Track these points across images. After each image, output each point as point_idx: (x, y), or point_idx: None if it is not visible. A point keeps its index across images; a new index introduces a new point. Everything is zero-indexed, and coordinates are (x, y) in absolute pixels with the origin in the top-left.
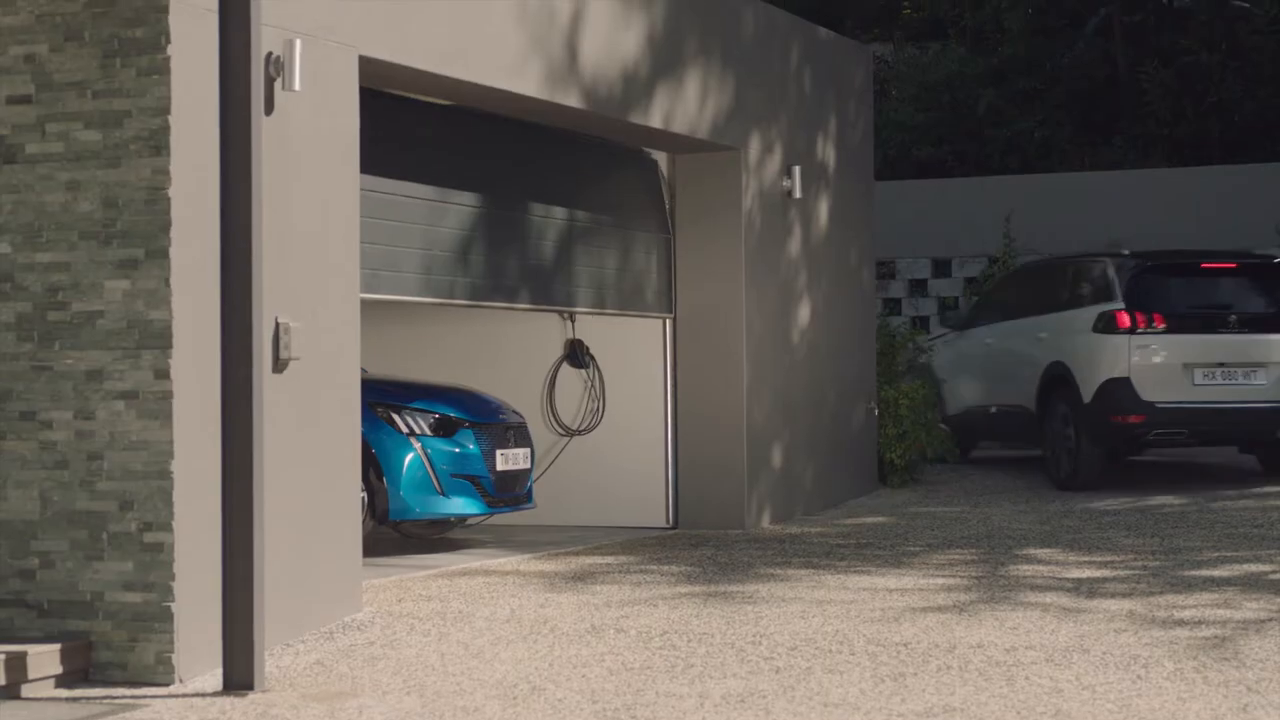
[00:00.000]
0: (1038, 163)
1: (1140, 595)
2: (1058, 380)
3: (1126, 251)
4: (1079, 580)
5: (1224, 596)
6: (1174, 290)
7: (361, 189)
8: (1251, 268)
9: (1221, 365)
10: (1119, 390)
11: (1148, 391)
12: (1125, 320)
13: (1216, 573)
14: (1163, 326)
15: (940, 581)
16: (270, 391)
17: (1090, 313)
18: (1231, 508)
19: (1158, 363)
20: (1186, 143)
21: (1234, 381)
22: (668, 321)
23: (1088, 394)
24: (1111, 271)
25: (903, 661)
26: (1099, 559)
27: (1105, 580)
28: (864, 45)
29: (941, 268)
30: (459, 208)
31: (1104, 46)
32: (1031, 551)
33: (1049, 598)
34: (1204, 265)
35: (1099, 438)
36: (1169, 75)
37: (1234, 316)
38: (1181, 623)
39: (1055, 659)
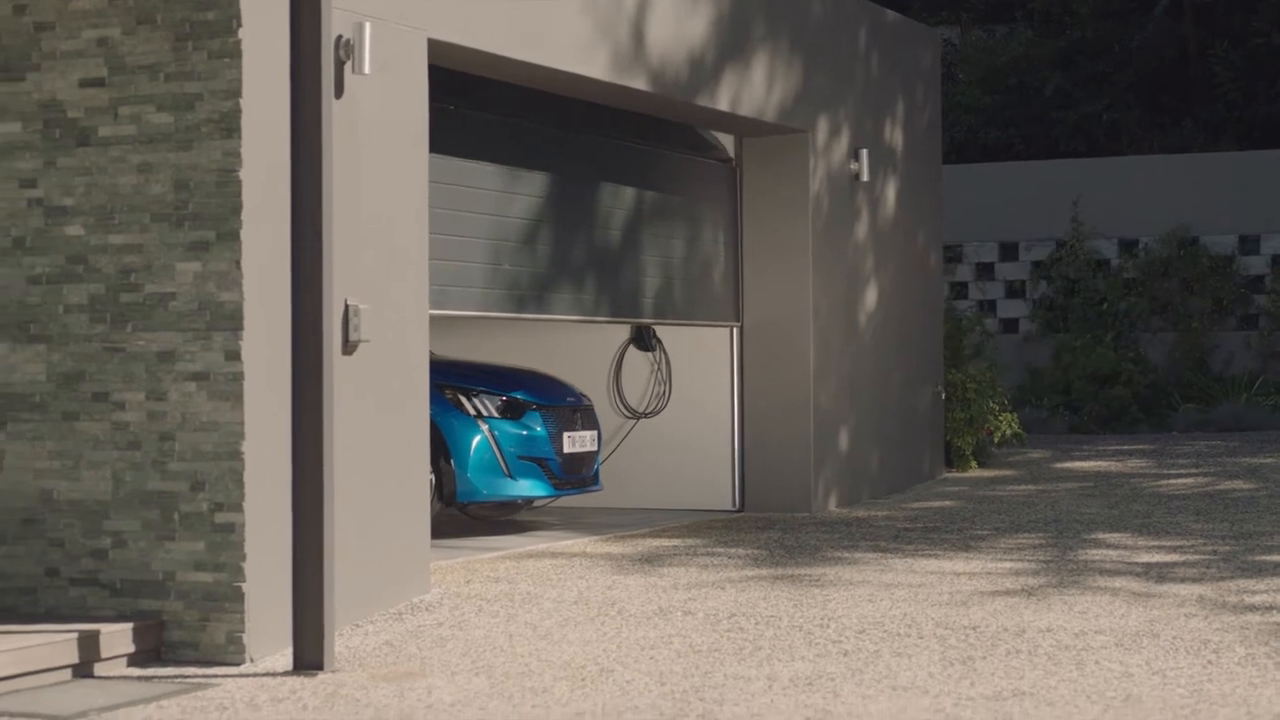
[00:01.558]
0: (1106, 146)
1: (1210, 580)
2: None
3: None
4: (1148, 565)
5: None
6: None
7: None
8: None
9: None
10: None
11: None
12: None
13: None
14: None
15: (1008, 565)
16: (340, 373)
17: None
18: None
19: None
20: (1257, 125)
21: None
22: (735, 330)
23: None
24: None
25: (971, 645)
26: (1168, 543)
27: (1175, 565)
28: (931, 28)
29: (1009, 251)
30: (520, 221)
31: (1173, 28)
32: (1100, 536)
33: (1118, 582)
34: None
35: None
36: (1239, 57)
37: None
38: (1253, 608)
39: (1125, 644)
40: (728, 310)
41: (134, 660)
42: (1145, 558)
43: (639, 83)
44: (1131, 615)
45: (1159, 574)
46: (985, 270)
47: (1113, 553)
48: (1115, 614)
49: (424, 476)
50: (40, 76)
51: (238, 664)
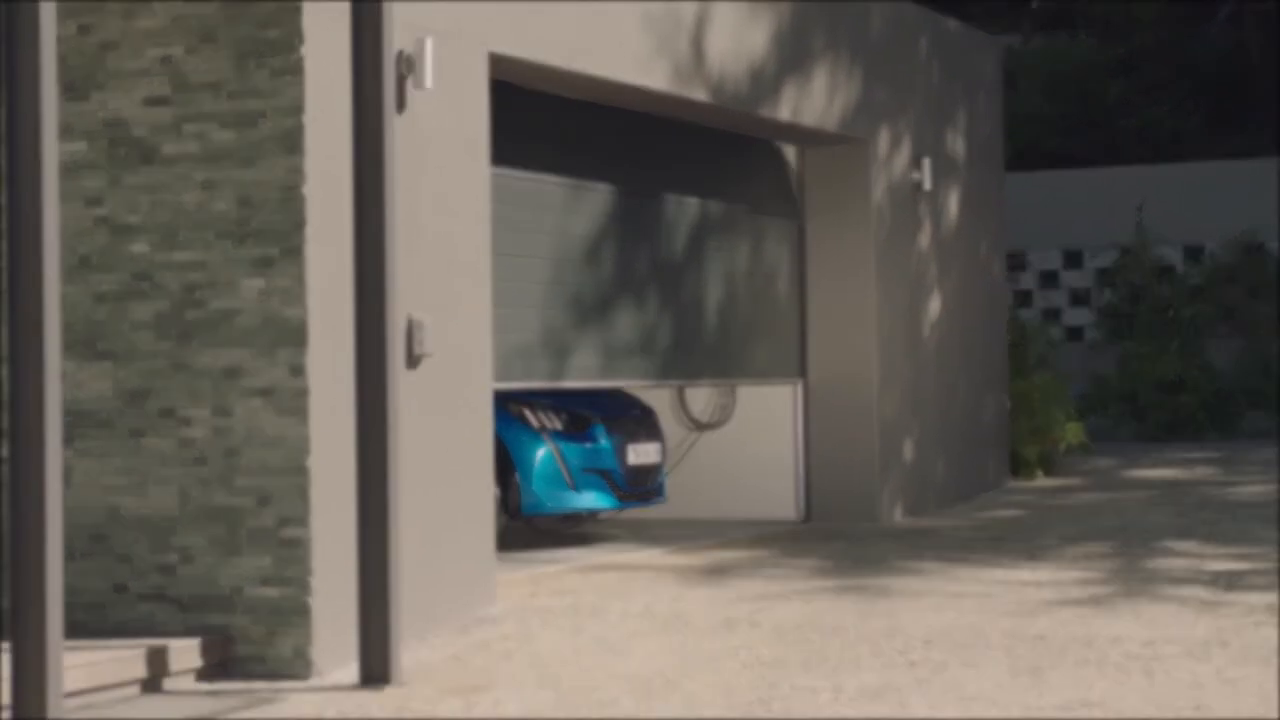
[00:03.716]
0: (1169, 152)
1: None
2: None
3: None
4: (1217, 573)
5: None
6: None
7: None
8: None
9: None
10: None
11: None
12: None
13: None
14: None
15: (1076, 575)
16: (403, 387)
17: None
18: None
19: None
20: None
21: None
22: (799, 386)
23: None
24: None
25: (1039, 655)
26: (1237, 551)
27: (1244, 573)
28: (993, 36)
29: (1073, 259)
30: (582, 287)
31: (1236, 34)
32: (1168, 544)
33: (1186, 591)
34: None
35: None
36: None
37: None
38: None
39: (1194, 653)
40: (791, 366)
41: (202, 675)
42: (1214, 566)
43: (699, 94)
44: (1200, 624)
45: (1228, 582)
46: (1049, 278)
47: (1181, 561)
48: (1184, 623)
49: (488, 490)
50: (105, 95)
51: (305, 678)
